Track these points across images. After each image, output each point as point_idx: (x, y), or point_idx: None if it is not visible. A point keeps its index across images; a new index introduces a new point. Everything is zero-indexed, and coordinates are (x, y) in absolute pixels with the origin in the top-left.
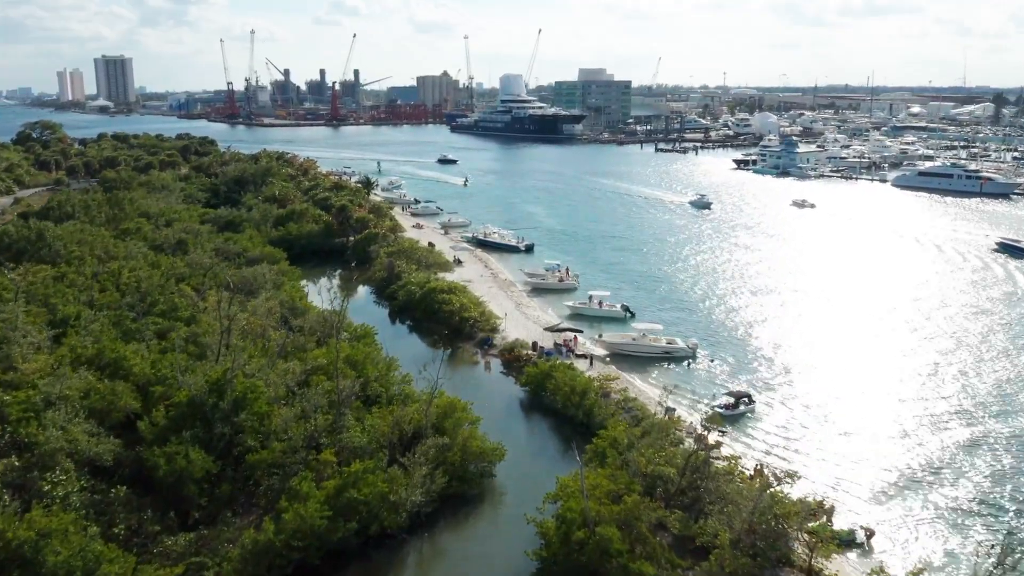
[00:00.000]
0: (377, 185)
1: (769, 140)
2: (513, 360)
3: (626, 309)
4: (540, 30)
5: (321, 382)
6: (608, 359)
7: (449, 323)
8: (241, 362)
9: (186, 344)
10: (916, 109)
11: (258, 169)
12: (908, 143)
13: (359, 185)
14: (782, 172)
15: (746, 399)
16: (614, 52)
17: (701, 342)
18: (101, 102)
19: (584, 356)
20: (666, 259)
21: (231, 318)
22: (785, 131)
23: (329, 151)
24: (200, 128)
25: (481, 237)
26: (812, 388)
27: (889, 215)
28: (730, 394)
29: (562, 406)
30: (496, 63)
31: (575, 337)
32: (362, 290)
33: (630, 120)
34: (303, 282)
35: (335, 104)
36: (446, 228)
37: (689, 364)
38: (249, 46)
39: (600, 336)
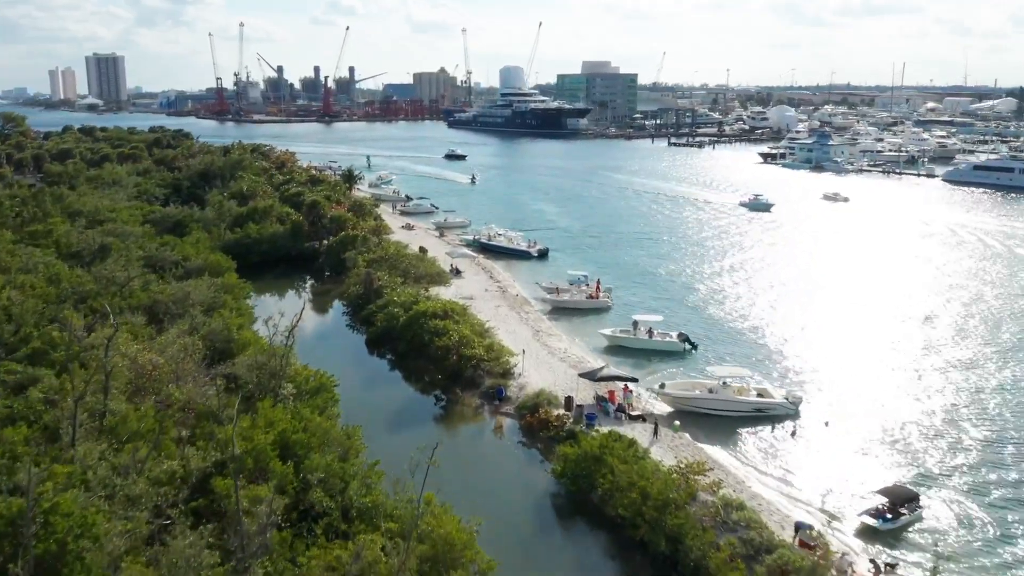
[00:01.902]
0: (361, 179)
1: (797, 133)
2: (538, 426)
3: (685, 340)
4: (540, 23)
5: (228, 490)
6: (678, 422)
7: (444, 363)
8: (86, 464)
9: (41, 410)
10: (932, 104)
11: (227, 162)
12: (943, 137)
13: (339, 179)
14: (815, 166)
15: (910, 501)
16: (614, 52)
17: (779, 383)
18: (90, 100)
19: (641, 417)
20: (717, 269)
21: (108, 372)
22: (803, 126)
23: (319, 147)
24: (188, 125)
25: (484, 240)
26: (986, 468)
27: (954, 216)
28: (884, 492)
29: (629, 521)
30: (495, 62)
31: (626, 387)
32: (335, 308)
33: (637, 115)
34: (255, 300)
35: (327, 100)
36: (441, 229)
37: (795, 431)
38: (241, 43)
39: (662, 386)
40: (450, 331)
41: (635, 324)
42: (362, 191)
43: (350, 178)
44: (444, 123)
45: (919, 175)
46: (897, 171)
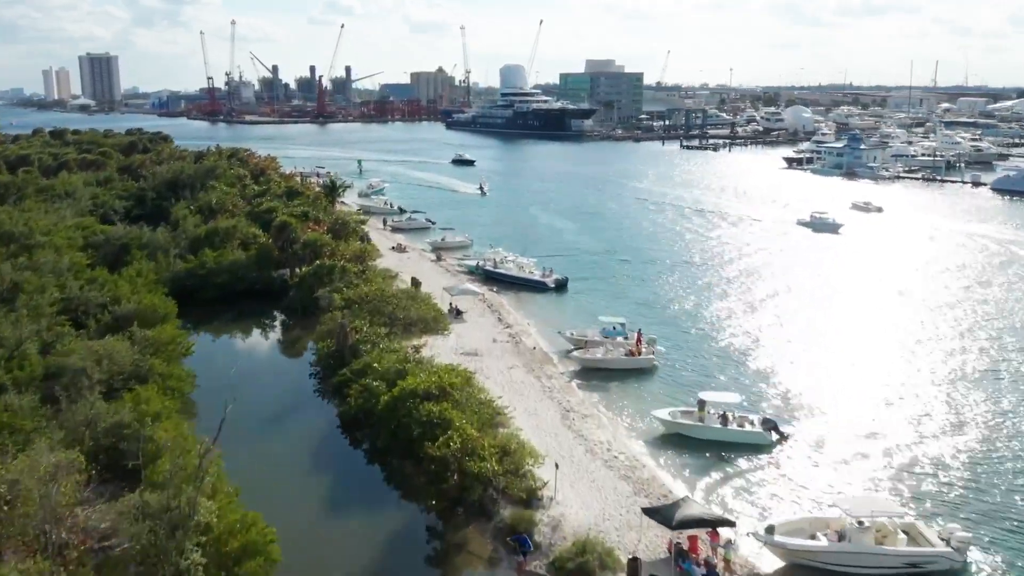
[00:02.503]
0: (349, 188)
1: (823, 135)
2: None
3: (771, 428)
4: (541, 21)
5: None
6: None
7: (441, 480)
8: None
9: None
10: (946, 105)
11: (198, 170)
12: (974, 140)
13: (322, 191)
14: (847, 173)
15: None
16: (614, 51)
17: (913, 499)
18: (82, 101)
19: None
20: (785, 313)
21: None
22: (827, 128)
23: (310, 149)
24: (179, 126)
25: (490, 267)
26: None
27: (1019, 235)
28: None
29: None
30: (493, 63)
31: (715, 533)
32: (302, 364)
33: (643, 115)
34: (201, 354)
35: (321, 100)
36: (439, 251)
37: None
38: (238, 42)
39: (770, 531)
40: (450, 424)
41: (702, 405)
42: (347, 205)
43: (333, 190)
44: (442, 124)
45: (962, 183)
46: (939, 178)
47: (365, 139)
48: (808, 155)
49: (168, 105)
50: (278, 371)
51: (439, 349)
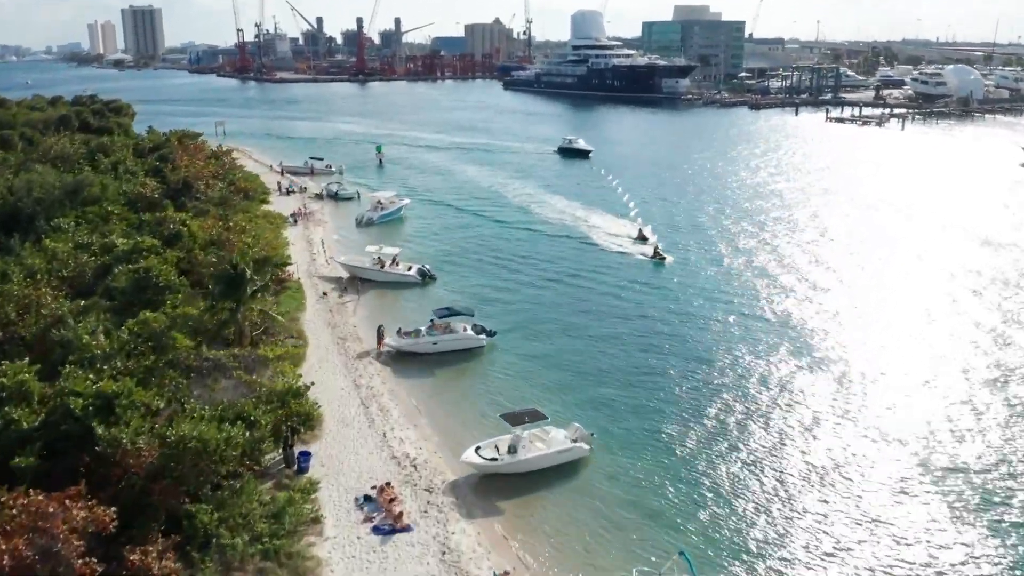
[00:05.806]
0: (349, 200)
1: None
2: None
3: None
4: None
5: None
6: None
7: None
8: None
9: None
10: None
11: (60, 190)
12: None
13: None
14: None
15: None
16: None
17: None
18: (117, 56)
19: None
20: None
21: None
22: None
23: (338, 122)
24: (205, 84)
25: None
26: None
27: None
28: None
29: None
30: (552, 18)
31: None
32: None
33: (743, 73)
34: None
35: (361, 55)
36: None
37: None
38: None
39: None
40: None
41: None
42: (323, 254)
43: (236, 286)
44: (498, 83)
45: None
46: None
47: (408, 104)
48: None
49: (204, 60)
50: None
51: None
